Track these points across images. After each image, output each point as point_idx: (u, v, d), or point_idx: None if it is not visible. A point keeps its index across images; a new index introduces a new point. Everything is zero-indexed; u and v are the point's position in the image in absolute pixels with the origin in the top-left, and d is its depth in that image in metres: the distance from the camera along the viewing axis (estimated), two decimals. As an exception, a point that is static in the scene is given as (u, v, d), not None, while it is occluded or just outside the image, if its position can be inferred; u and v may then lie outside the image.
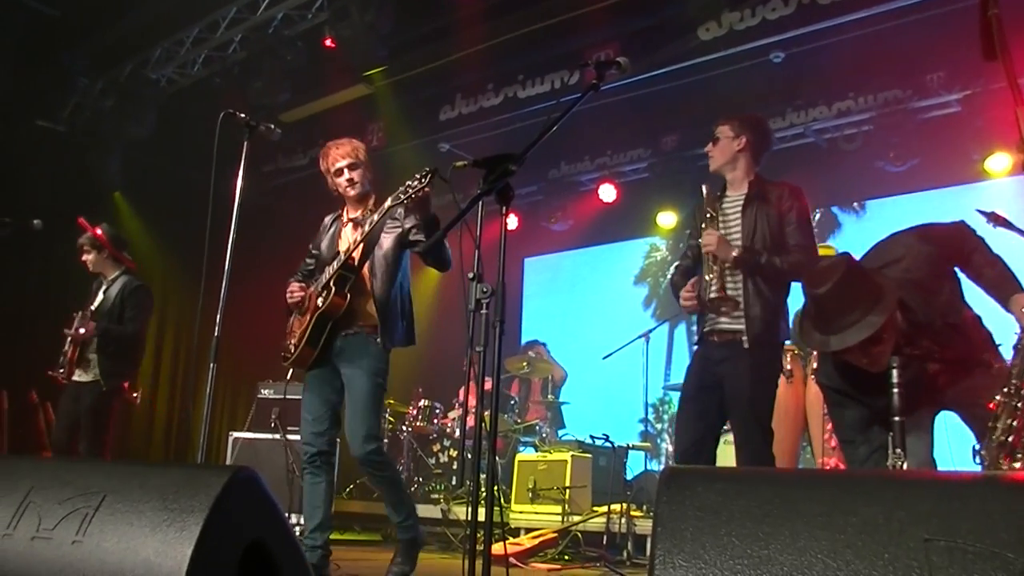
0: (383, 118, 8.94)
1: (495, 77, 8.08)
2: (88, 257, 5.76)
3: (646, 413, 7.87)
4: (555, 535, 6.02)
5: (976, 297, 3.13)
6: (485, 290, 2.76)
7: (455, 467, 7.95)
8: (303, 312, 4.25)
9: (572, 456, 6.72)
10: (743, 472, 1.54)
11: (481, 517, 2.67)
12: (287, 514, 4.49)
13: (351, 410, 4.06)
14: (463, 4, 7.39)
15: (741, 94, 7.34)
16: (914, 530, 1.28)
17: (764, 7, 6.39)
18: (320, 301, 4.09)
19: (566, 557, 5.82)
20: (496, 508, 2.72)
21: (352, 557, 4.14)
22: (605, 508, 6.03)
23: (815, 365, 5.63)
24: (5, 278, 7.87)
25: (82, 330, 5.53)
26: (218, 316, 3.79)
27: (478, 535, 2.68)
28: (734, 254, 3.73)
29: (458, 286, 2.90)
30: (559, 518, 6.30)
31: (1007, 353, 2.89)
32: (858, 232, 8.32)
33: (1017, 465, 2.68)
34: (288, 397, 6.74)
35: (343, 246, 4.24)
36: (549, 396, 8.79)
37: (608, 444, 6.96)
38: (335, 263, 4.13)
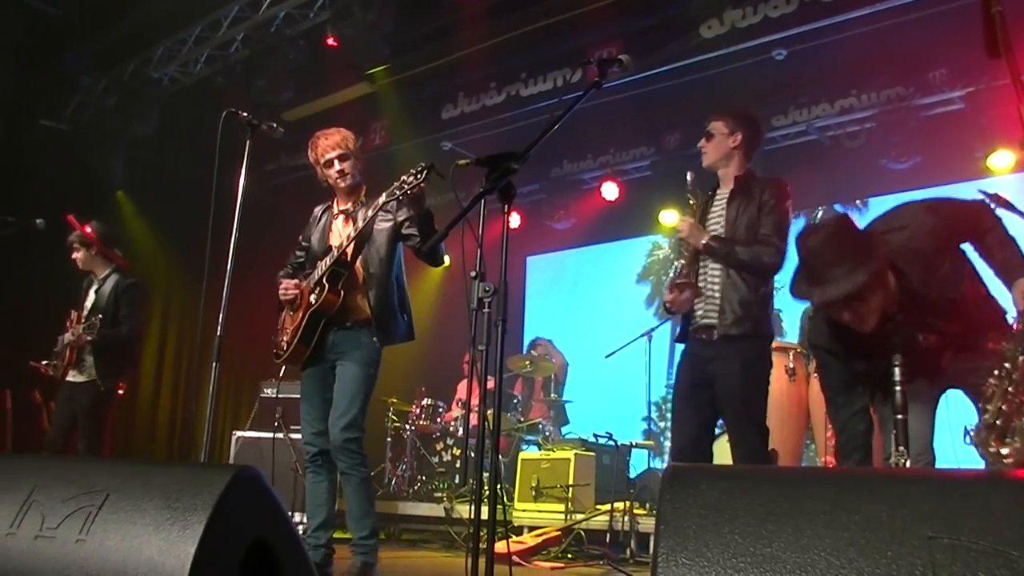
0: (385, 116, 8.94)
1: (497, 75, 8.07)
2: (77, 255, 5.74)
3: (649, 411, 7.87)
4: (558, 533, 6.02)
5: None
6: (487, 289, 2.76)
7: (458, 466, 7.94)
8: (295, 309, 4.19)
9: (575, 454, 6.72)
10: (746, 470, 1.54)
11: (484, 515, 2.67)
12: (290, 513, 4.48)
13: (335, 397, 4.02)
14: (465, 2, 7.39)
15: (743, 92, 7.33)
16: (918, 528, 1.27)
17: (766, 5, 6.39)
18: (313, 298, 4.04)
19: (569, 555, 5.83)
20: (499, 506, 2.73)
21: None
22: (608, 506, 6.03)
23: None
24: (8, 277, 7.87)
25: (71, 336, 5.50)
26: (220, 315, 3.78)
27: (481, 533, 2.68)
28: (704, 241, 3.75)
29: (460, 285, 2.89)
30: (562, 516, 6.30)
31: None
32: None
33: (1006, 451, 2.66)
34: (291, 396, 6.74)
35: (335, 240, 4.20)
36: (552, 394, 8.79)
37: (611, 442, 6.98)
38: (327, 259, 4.08)
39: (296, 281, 4.25)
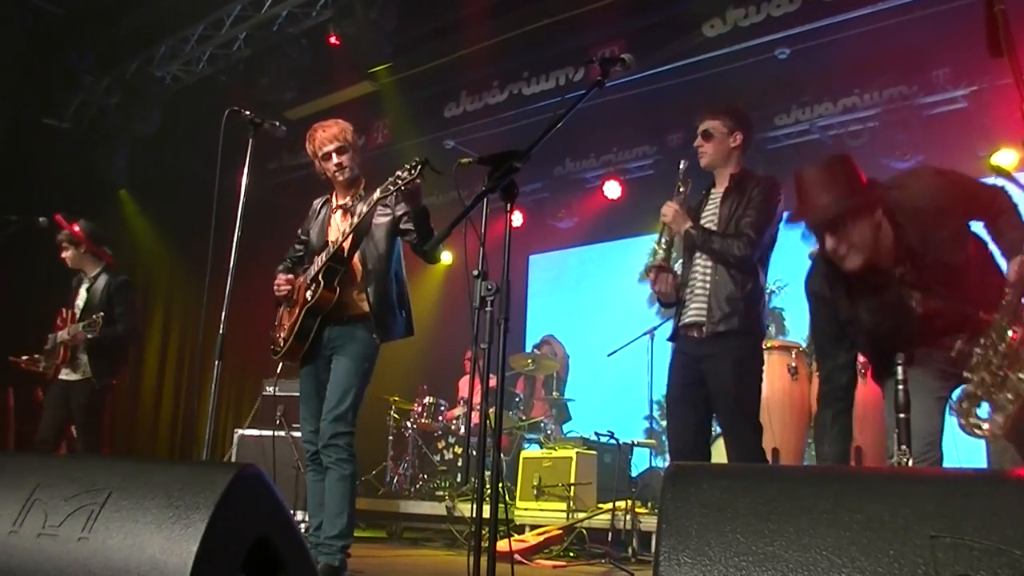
0: (388, 115, 8.95)
1: (500, 74, 8.08)
2: (67, 254, 5.72)
3: (651, 410, 7.87)
4: (560, 532, 6.02)
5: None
6: (490, 287, 2.76)
7: (460, 464, 7.95)
8: (292, 305, 4.16)
9: (577, 453, 6.72)
10: (748, 469, 1.54)
11: (486, 514, 2.67)
12: (292, 511, 4.49)
13: (328, 391, 4.00)
14: (468, 1, 7.39)
15: (746, 91, 7.33)
16: (920, 527, 1.27)
17: (769, 4, 6.38)
18: (309, 295, 4.02)
19: (571, 554, 5.83)
20: (501, 505, 2.73)
21: (357, 554, 4.12)
22: (610, 505, 6.03)
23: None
24: (11, 276, 7.89)
25: (67, 335, 5.49)
26: (223, 313, 3.78)
27: (483, 532, 2.68)
28: (685, 227, 3.78)
29: (463, 283, 2.89)
30: (564, 515, 6.30)
31: None
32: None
33: (985, 424, 2.63)
34: (292, 394, 6.74)
35: (333, 235, 4.16)
36: (554, 393, 8.79)
37: (613, 441, 6.97)
38: (323, 255, 4.06)
39: (290, 276, 4.22)
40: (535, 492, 6.68)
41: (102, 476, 1.84)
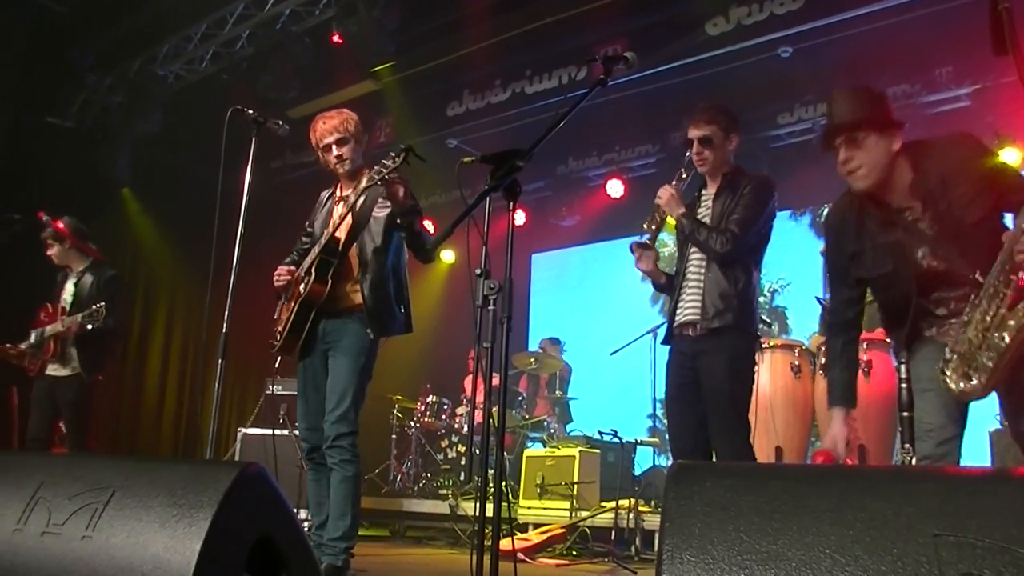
0: (391, 114, 8.95)
1: (502, 73, 8.08)
2: (52, 251, 5.71)
3: (654, 409, 7.88)
4: (563, 531, 6.02)
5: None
6: (492, 286, 2.75)
7: (463, 463, 7.95)
8: (289, 298, 4.13)
9: (580, 452, 6.72)
10: (752, 467, 1.54)
11: (489, 513, 2.67)
12: (295, 509, 4.49)
13: (327, 392, 3.96)
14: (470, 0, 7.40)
15: (749, 89, 7.33)
16: (923, 525, 1.27)
17: (772, 2, 6.38)
18: (302, 288, 3.98)
19: (574, 552, 5.82)
20: (504, 504, 2.73)
21: (360, 553, 4.11)
22: (613, 504, 6.03)
23: (823, 360, 5.64)
24: (14, 274, 7.90)
25: (60, 327, 5.46)
26: (226, 312, 3.78)
27: (486, 530, 2.68)
28: (678, 212, 3.81)
29: (465, 282, 2.89)
30: (567, 514, 6.30)
31: None
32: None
33: (963, 386, 2.60)
34: (295, 393, 6.73)
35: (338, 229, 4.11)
36: (557, 392, 8.79)
37: (616, 440, 6.97)
38: (316, 247, 4.02)
39: (291, 268, 4.18)
40: (538, 491, 6.69)
41: (106, 474, 1.84)
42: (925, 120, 7.37)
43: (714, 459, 3.70)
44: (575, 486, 6.43)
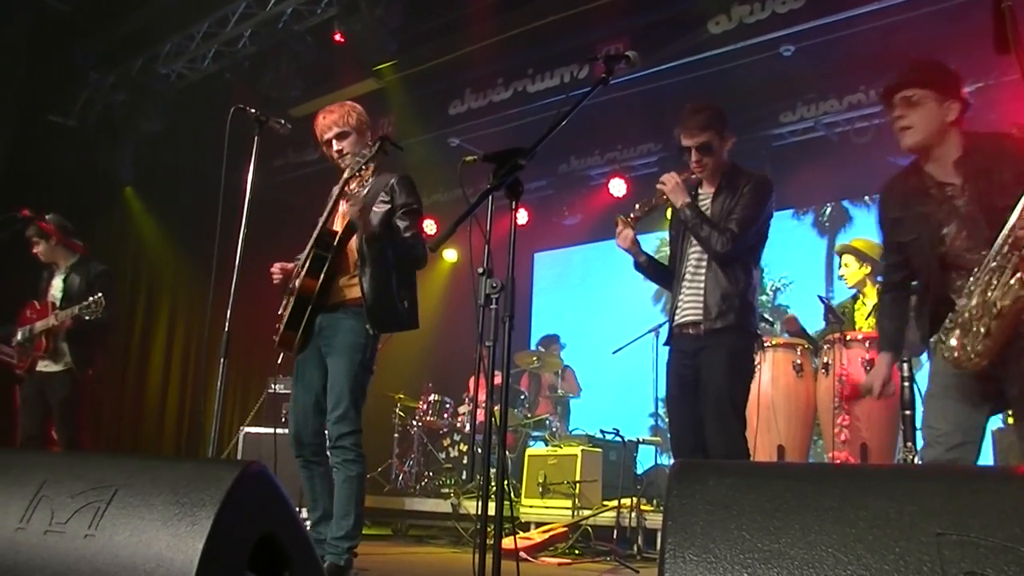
0: (393, 112, 8.94)
1: (504, 71, 8.08)
2: (38, 248, 5.71)
3: (656, 408, 7.87)
4: (565, 529, 6.02)
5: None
6: (495, 285, 2.75)
7: (465, 462, 7.95)
8: (288, 294, 4.10)
9: (582, 450, 6.72)
10: (754, 466, 1.54)
11: (491, 511, 2.68)
12: (297, 508, 4.47)
13: (327, 391, 3.93)
14: (472, -2, 7.40)
15: (751, 88, 7.32)
16: (926, 524, 1.27)
17: (774, 1, 6.37)
18: (297, 283, 3.95)
19: (576, 551, 5.82)
20: (506, 502, 2.73)
21: (362, 551, 4.11)
22: (615, 502, 6.03)
23: (825, 360, 5.64)
24: (16, 274, 7.90)
25: (55, 321, 5.43)
26: (228, 311, 3.78)
27: (488, 529, 2.68)
28: (682, 201, 3.79)
29: (468, 281, 2.89)
30: (569, 512, 6.30)
31: None
32: (869, 226, 8.28)
33: (954, 343, 2.64)
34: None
35: (335, 222, 4.08)
36: (559, 391, 8.79)
37: (618, 439, 6.97)
38: (309, 242, 3.98)
39: (283, 264, 4.15)
40: (540, 489, 6.69)
41: (108, 473, 1.85)
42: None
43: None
44: (577, 485, 6.43)
